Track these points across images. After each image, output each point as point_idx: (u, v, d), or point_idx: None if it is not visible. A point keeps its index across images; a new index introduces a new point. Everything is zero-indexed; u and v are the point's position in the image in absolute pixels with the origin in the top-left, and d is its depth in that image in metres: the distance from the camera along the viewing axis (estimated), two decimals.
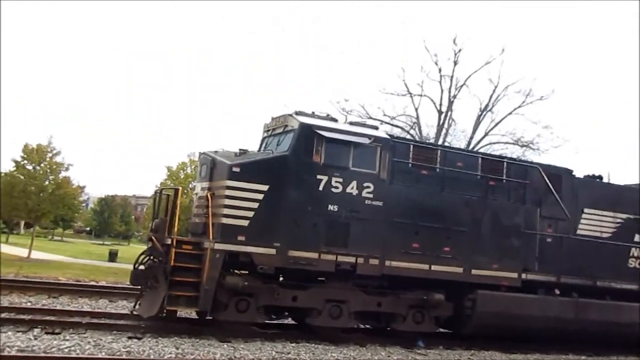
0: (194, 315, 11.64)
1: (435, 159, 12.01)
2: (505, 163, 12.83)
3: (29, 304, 11.85)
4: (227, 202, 10.26)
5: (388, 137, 11.93)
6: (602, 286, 12.84)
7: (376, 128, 12.37)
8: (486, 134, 29.36)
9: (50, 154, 31.79)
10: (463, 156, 13.03)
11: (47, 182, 31.67)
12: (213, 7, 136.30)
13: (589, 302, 12.53)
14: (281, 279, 11.01)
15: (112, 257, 34.75)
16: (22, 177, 31.07)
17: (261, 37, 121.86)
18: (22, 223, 58.21)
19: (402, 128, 29.02)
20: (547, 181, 12.58)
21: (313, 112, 11.46)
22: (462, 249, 11.65)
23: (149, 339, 9.41)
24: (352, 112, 27.98)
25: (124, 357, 8.21)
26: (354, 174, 10.96)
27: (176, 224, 10.68)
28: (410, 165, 11.68)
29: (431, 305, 11.55)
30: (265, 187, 10.38)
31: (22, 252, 30.57)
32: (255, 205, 10.32)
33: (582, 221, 13.11)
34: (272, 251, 10.35)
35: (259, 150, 12.03)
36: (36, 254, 30.11)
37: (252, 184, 10.35)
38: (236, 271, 10.59)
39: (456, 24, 39.19)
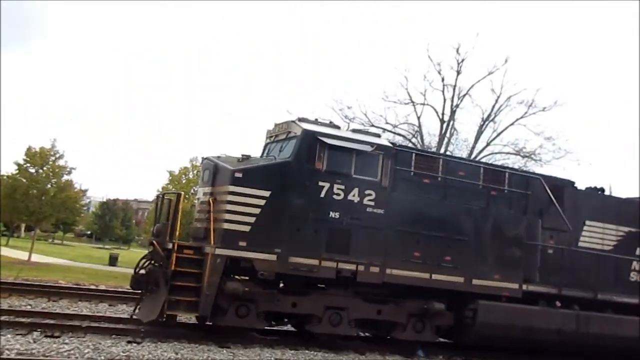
0: (193, 320, 11.61)
1: (437, 167, 12.02)
2: (507, 173, 12.82)
3: (28, 307, 11.84)
4: (229, 207, 10.27)
5: (390, 145, 11.95)
6: (603, 299, 12.77)
7: (378, 136, 12.42)
8: (488, 144, 29.35)
9: (53, 158, 31.85)
10: (465, 165, 13.04)
11: (49, 186, 31.71)
12: (213, 7, 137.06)
13: (590, 315, 12.47)
14: (281, 285, 11.00)
15: (113, 261, 34.77)
16: (24, 180, 31.12)
17: (261, 37, 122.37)
18: (23, 226, 58.28)
19: (404, 136, 29.03)
20: (549, 192, 12.56)
21: (316, 119, 11.51)
22: (463, 258, 11.62)
23: (149, 344, 9.39)
24: (354, 119, 28.03)
25: None
26: (356, 181, 10.96)
27: (178, 229, 10.69)
28: (412, 173, 11.68)
29: (432, 315, 11.50)
30: (267, 193, 10.40)
31: (23, 255, 30.57)
32: (257, 211, 10.33)
33: (584, 233, 13.06)
34: (273, 257, 10.34)
35: (262, 156, 12.05)
36: (36, 257, 30.12)
37: (254, 189, 10.36)
38: (237, 277, 10.59)
39: (460, 33, 39.34)
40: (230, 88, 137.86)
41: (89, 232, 79.24)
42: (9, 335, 8.76)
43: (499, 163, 25.09)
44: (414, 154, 12.10)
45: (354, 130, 12.15)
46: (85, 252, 46.70)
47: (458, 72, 28.43)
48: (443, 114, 29.00)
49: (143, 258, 10.67)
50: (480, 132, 29.36)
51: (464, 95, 28.91)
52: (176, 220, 10.72)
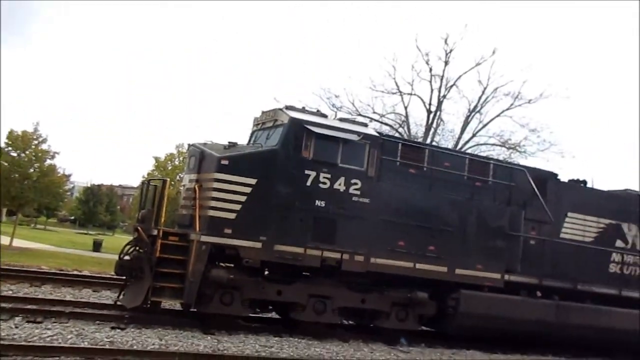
0: (178, 306, 11.61)
1: (423, 158, 12.09)
2: (492, 165, 12.94)
3: (10, 292, 11.71)
4: (215, 194, 10.25)
5: (377, 134, 11.99)
6: (583, 290, 13.01)
7: (365, 125, 12.44)
8: (474, 135, 29.55)
9: (36, 141, 31.36)
10: (451, 156, 13.15)
11: (32, 170, 31.24)
12: (213, 7, 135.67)
13: (570, 305, 12.71)
14: (266, 273, 11.03)
15: (97, 246, 34.48)
16: (5, 164, 30.61)
17: (261, 37, 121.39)
18: (4, 211, 57.50)
19: (390, 126, 29.11)
20: (533, 184, 12.71)
21: (303, 108, 11.51)
22: (447, 248, 11.74)
23: (132, 330, 9.38)
24: (341, 108, 28.02)
25: (106, 347, 8.17)
26: (342, 171, 10.99)
27: (163, 215, 10.65)
28: (398, 163, 11.74)
29: (415, 304, 11.64)
30: (253, 181, 10.39)
31: (4, 240, 30.18)
32: (243, 198, 10.32)
33: (566, 225, 13.27)
34: (258, 245, 10.36)
35: (248, 143, 12.01)
36: (18, 242, 29.77)
37: (241, 177, 10.34)
38: (222, 264, 10.59)
39: (448, 23, 39.35)
40: (230, 88, 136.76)
41: (72, 218, 78.46)
42: None
43: (484, 154, 25.27)
44: (400, 144, 12.16)
45: (341, 119, 12.17)
46: (68, 238, 46.25)
47: (446, 63, 28.49)
48: (430, 104, 29.10)
49: (128, 244, 10.61)
50: (466, 123, 29.54)
51: (451, 86, 29.03)
52: (161, 207, 10.68)
